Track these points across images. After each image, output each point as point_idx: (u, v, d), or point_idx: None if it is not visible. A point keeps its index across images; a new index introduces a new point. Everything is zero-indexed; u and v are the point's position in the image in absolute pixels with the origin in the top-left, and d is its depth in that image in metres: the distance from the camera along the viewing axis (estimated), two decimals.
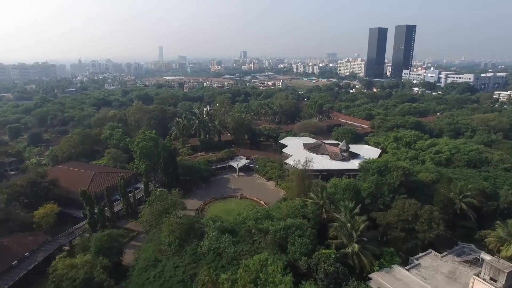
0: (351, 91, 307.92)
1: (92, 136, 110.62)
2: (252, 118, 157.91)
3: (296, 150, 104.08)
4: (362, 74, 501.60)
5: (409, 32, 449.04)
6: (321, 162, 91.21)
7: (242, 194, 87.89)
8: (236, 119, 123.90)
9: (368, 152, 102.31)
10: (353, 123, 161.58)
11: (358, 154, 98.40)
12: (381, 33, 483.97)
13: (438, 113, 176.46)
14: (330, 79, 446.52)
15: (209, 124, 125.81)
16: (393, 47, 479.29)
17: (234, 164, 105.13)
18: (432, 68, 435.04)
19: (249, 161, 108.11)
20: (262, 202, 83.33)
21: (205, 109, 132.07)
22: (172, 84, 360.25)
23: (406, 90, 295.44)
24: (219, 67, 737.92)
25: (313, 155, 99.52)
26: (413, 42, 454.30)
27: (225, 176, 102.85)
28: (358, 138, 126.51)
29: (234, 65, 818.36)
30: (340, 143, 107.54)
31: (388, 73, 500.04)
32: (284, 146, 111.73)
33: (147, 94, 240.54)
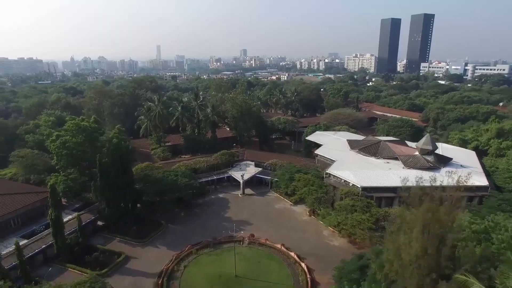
0: (368, 84, 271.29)
1: (6, 129, 68.75)
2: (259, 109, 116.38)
3: (340, 152, 62.94)
4: (372, 70, 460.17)
5: (426, 21, 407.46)
6: (401, 173, 49.86)
7: (253, 236, 46.49)
8: (239, 104, 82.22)
9: (454, 154, 61.56)
10: (393, 115, 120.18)
11: (451, 159, 57.35)
12: (394, 24, 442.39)
13: (500, 104, 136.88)
14: (338, 75, 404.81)
15: (199, 113, 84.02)
16: (407, 39, 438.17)
17: (236, 174, 63.52)
18: (448, 61, 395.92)
19: (260, 169, 66.53)
20: (293, 254, 42.16)
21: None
22: (164, 77, 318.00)
23: (431, 82, 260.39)
24: (218, 64, 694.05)
25: (371, 159, 58.77)
26: (431, 33, 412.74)
27: (220, 195, 61.28)
28: (418, 134, 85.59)
29: (234, 62, 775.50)
30: (409, 142, 66.97)
31: (399, 68, 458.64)
32: (313, 146, 70.92)
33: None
